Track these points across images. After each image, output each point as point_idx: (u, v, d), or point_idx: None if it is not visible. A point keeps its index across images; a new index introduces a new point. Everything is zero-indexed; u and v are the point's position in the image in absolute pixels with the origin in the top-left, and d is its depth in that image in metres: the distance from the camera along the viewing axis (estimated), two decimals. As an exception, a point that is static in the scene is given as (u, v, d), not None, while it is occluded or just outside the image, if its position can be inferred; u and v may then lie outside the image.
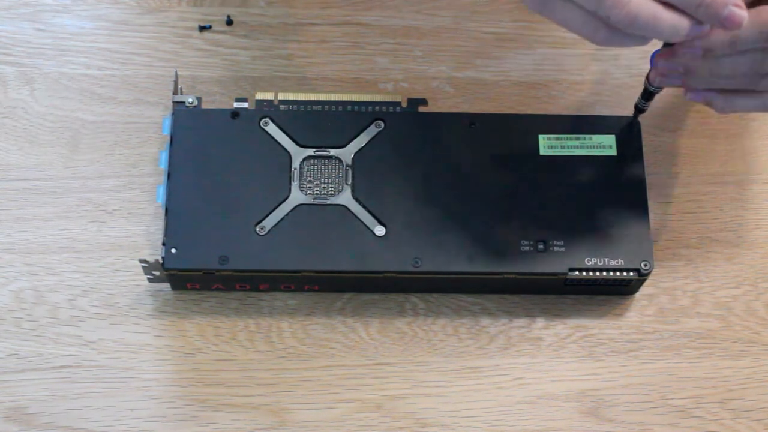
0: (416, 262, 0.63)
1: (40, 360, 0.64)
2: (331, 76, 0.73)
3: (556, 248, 0.64)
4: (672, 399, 0.65)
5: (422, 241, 0.64)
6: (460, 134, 0.67)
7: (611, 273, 0.63)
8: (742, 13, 0.51)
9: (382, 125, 0.67)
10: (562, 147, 0.66)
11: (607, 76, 0.73)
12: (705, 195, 0.70)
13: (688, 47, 0.56)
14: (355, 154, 0.66)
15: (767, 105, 0.58)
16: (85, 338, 0.65)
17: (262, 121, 0.66)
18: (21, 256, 0.67)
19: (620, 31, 0.52)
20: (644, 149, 0.67)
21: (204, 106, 0.68)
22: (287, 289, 0.66)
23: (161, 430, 0.63)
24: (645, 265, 0.63)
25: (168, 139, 0.66)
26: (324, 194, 0.65)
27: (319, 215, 0.64)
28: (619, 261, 0.64)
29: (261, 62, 0.73)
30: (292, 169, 0.65)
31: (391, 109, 0.67)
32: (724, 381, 0.65)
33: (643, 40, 0.53)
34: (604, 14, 0.52)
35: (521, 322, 0.66)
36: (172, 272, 0.63)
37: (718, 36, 0.55)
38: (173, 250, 0.63)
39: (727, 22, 0.51)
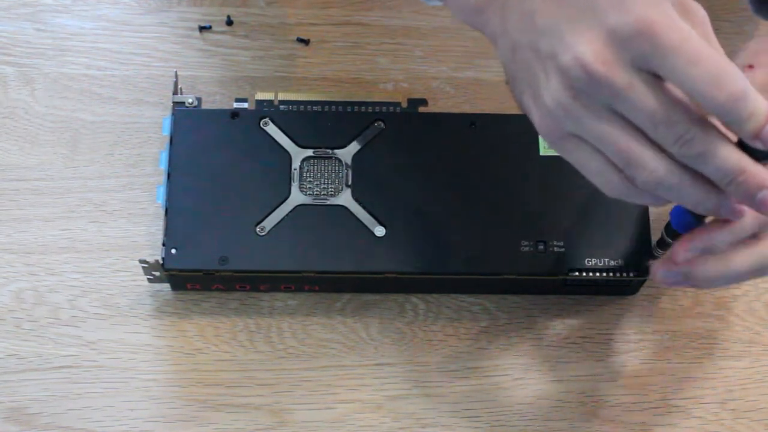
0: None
1: (40, 360, 0.64)
2: (331, 76, 0.73)
3: (556, 248, 0.64)
4: (672, 399, 0.65)
5: (422, 241, 0.64)
6: (460, 134, 0.67)
7: (611, 273, 0.63)
8: None
9: (383, 126, 0.67)
10: (562, 147, 0.66)
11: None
12: (705, 195, 0.70)
13: (685, 253, 0.54)
14: (355, 154, 0.66)
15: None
16: (85, 338, 0.65)
17: (261, 122, 0.66)
18: (21, 257, 0.67)
19: (637, 189, 0.49)
20: (644, 149, 0.67)
21: (204, 106, 0.68)
22: (287, 290, 0.66)
23: (161, 430, 0.63)
24: (645, 265, 0.63)
25: (168, 139, 0.66)
26: (324, 195, 0.65)
27: (319, 215, 0.64)
28: (619, 261, 0.64)
29: (261, 62, 0.73)
30: (292, 170, 0.65)
31: (391, 109, 0.67)
32: (724, 381, 0.65)
33: (659, 201, 0.50)
34: (630, 173, 0.48)
35: (521, 322, 0.66)
36: (172, 273, 0.63)
37: (719, 236, 0.53)
38: (173, 251, 0.63)
39: (761, 206, 0.47)
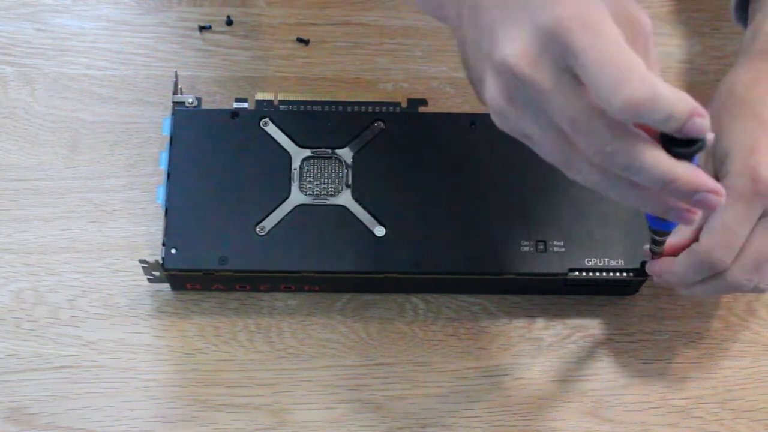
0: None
1: (40, 360, 0.64)
2: (331, 76, 0.73)
3: (556, 248, 0.64)
4: (672, 399, 0.65)
5: (422, 241, 0.64)
6: (460, 134, 0.67)
7: (611, 273, 0.63)
8: (718, 199, 0.45)
9: (383, 126, 0.67)
10: (562, 147, 0.66)
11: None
12: (705, 195, 0.70)
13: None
14: (355, 154, 0.66)
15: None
16: (85, 338, 0.65)
17: (261, 122, 0.66)
18: (21, 257, 0.67)
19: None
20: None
21: (204, 106, 0.68)
22: (287, 290, 0.66)
23: (161, 430, 0.63)
24: (645, 265, 0.63)
25: (168, 139, 0.66)
26: (324, 194, 0.65)
27: (319, 215, 0.64)
28: (619, 261, 0.64)
29: (261, 62, 0.73)
30: (292, 170, 0.65)
31: (391, 109, 0.67)
32: (724, 381, 0.65)
33: None
34: (569, 175, 0.48)
35: (521, 322, 0.66)
36: (172, 272, 0.63)
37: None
38: (173, 251, 0.63)
39: (701, 206, 0.46)
